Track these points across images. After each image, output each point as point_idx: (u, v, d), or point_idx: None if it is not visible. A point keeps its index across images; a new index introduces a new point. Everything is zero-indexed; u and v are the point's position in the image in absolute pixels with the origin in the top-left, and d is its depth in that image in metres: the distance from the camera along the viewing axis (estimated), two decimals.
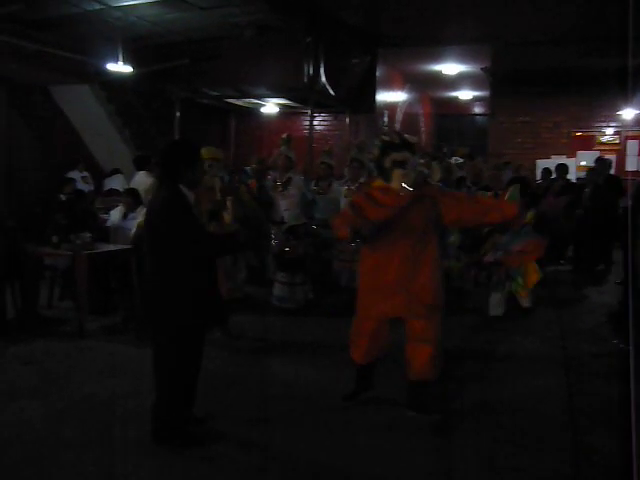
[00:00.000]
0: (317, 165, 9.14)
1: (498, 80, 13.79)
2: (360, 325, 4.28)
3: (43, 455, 3.68)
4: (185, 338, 3.65)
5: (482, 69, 13.56)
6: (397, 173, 3.99)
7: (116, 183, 10.95)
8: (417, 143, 14.23)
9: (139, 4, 9.58)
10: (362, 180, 7.43)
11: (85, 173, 12.76)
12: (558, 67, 12.54)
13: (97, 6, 9.56)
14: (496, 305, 6.91)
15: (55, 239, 6.29)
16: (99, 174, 12.81)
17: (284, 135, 10.65)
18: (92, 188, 12.09)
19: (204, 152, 5.25)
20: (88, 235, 6.30)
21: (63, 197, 7.84)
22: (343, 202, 7.30)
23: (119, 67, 10.65)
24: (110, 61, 10.99)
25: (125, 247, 6.50)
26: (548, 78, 13.03)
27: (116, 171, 11.68)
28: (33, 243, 6.61)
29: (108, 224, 7.35)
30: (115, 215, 7.27)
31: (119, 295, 6.98)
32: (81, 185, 12.45)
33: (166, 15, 10.40)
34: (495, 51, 12.90)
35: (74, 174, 12.67)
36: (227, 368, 5.18)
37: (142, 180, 7.95)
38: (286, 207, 7.72)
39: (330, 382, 4.85)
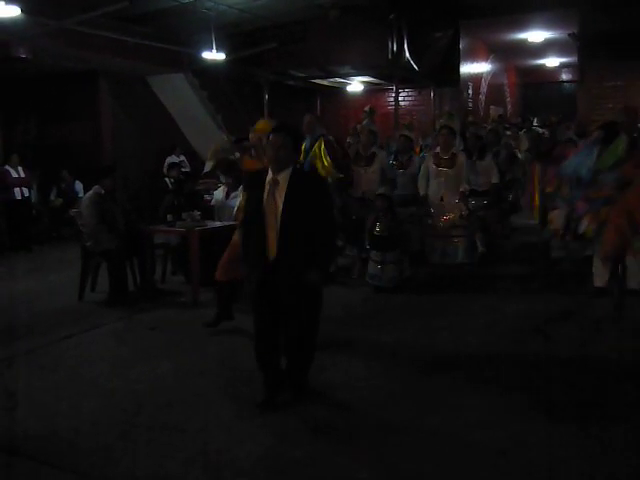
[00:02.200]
0: (396, 138, 9.10)
1: (586, 45, 13.45)
2: None
3: (177, 403, 4.19)
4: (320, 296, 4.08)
5: (569, 35, 13.29)
6: None
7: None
8: (502, 114, 14.08)
9: None
10: (454, 150, 7.31)
11: (182, 157, 13.49)
12: None
13: None
14: None
15: (170, 218, 6.89)
16: (194, 158, 13.49)
17: (366, 107, 10.76)
18: (189, 171, 12.75)
19: (259, 125, 5.55)
20: (198, 213, 6.85)
21: (170, 180, 8.45)
22: (431, 171, 7.19)
23: (213, 55, 11.17)
24: (204, 50, 11.54)
25: (230, 223, 6.97)
26: (638, 40, 12.61)
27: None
28: (146, 223, 7.26)
29: (212, 203, 7.87)
30: (219, 195, 7.78)
31: None
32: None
33: (254, 2, 10.85)
34: (582, 15, 12.64)
35: (171, 159, 13.42)
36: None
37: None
38: (367, 183, 7.54)
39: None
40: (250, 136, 5.67)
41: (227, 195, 7.64)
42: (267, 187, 3.91)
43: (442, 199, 7.15)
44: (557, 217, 6.31)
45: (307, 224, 3.86)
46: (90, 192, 6.94)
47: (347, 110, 16.00)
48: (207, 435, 3.74)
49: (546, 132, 14.72)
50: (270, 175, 3.93)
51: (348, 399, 4.18)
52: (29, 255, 9.95)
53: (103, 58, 11.39)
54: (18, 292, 7.46)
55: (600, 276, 6.18)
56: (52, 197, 11.63)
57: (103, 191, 6.91)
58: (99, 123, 13.22)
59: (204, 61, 12.09)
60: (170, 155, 13.42)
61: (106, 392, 4.40)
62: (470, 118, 14.58)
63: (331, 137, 7.75)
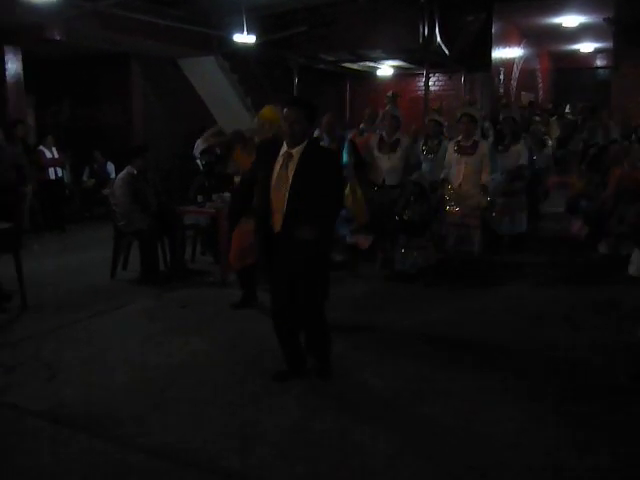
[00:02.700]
0: (426, 123, 8.98)
1: (621, 30, 13.26)
2: None
3: (208, 377, 4.30)
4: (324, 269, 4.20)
5: (604, 19, 13.08)
6: None
7: None
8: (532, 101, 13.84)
9: None
10: (476, 137, 7.20)
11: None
12: None
13: None
14: None
15: (200, 199, 6.99)
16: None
17: (389, 93, 10.63)
18: (219, 152, 12.82)
19: (264, 111, 5.51)
20: (228, 195, 6.93)
21: (202, 162, 8.53)
22: (452, 158, 7.10)
23: (244, 37, 11.21)
24: (234, 32, 11.58)
25: None
26: None
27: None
28: (177, 204, 7.37)
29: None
30: None
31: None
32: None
33: None
34: None
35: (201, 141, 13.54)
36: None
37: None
38: (388, 169, 7.34)
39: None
40: (255, 121, 5.67)
41: None
42: (281, 160, 3.91)
43: (460, 186, 7.02)
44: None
45: (315, 199, 3.84)
46: (123, 172, 7.06)
47: (377, 94, 15.92)
48: (236, 408, 3.85)
49: (579, 119, 14.55)
50: (285, 148, 3.93)
51: (371, 380, 4.26)
52: (62, 234, 10.13)
53: (135, 40, 11.49)
54: (52, 270, 7.62)
55: (636, 265, 6.09)
56: (84, 178, 11.81)
57: (135, 171, 7.02)
58: (130, 105, 13.36)
59: (234, 44, 12.13)
60: (200, 137, 13.55)
61: (139, 366, 4.53)
62: (503, 101, 14.47)
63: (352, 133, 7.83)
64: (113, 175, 12.02)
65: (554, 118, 13.89)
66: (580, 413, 3.73)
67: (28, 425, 3.67)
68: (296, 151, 3.89)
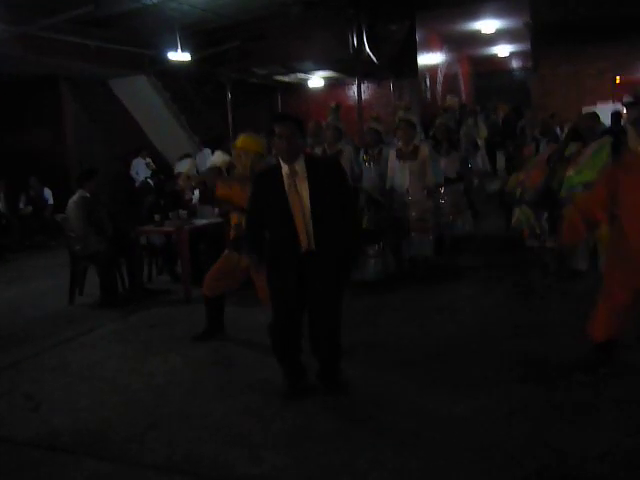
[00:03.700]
0: (365, 132, 9.14)
1: (538, 33, 13.97)
2: (611, 299, 4.07)
3: (198, 392, 4.32)
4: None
5: (525, 24, 13.76)
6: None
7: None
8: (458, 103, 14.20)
9: None
10: (416, 142, 7.24)
11: (148, 160, 13.47)
12: (598, 15, 12.68)
13: None
14: None
15: (157, 217, 6.97)
16: (160, 160, 13.53)
17: (332, 104, 10.86)
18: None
19: (237, 140, 5.31)
20: (185, 212, 6.94)
21: (150, 181, 8.48)
22: (395, 165, 7.16)
23: (179, 55, 11.22)
24: (166, 51, 11.58)
25: (218, 220, 7.05)
26: (589, 27, 13.15)
27: (186, 155, 12.27)
28: (130, 224, 7.32)
29: (194, 202, 7.96)
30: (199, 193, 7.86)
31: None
32: (146, 171, 13.21)
33: (216, 1, 10.92)
34: (533, 4, 13.10)
35: (138, 161, 13.43)
36: None
37: (220, 159, 8.48)
38: None
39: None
40: (234, 153, 5.48)
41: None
42: (287, 179, 3.85)
43: (407, 191, 7.10)
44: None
45: (334, 209, 3.87)
46: (75, 196, 6.95)
47: (308, 105, 16.20)
48: (233, 419, 3.88)
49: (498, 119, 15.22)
50: (286, 167, 3.88)
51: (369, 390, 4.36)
52: (6, 265, 9.83)
53: (64, 62, 11.33)
54: (4, 300, 7.43)
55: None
56: (21, 205, 11.49)
57: (88, 194, 6.93)
58: (62, 128, 13.11)
59: (166, 62, 12.13)
60: (137, 158, 13.42)
61: (124, 388, 4.50)
62: (447, 103, 14.89)
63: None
64: (51, 201, 11.77)
65: (480, 119, 14.49)
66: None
67: (26, 456, 3.60)
68: (298, 166, 3.87)
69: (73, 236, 6.93)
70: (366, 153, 8.24)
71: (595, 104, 13.90)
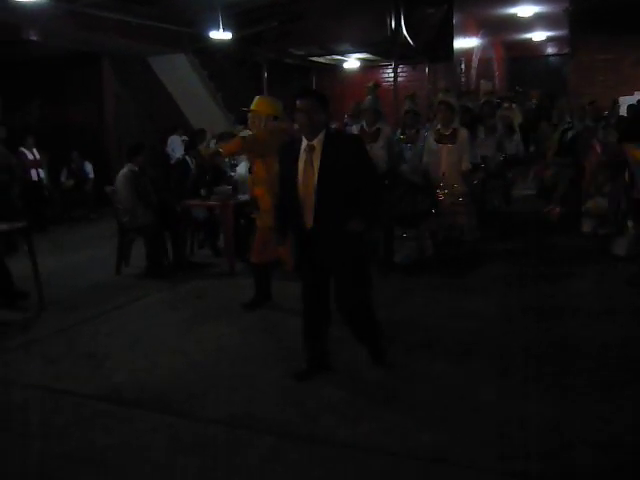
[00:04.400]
0: (402, 114, 9.18)
1: (577, 19, 13.89)
2: None
3: (251, 357, 4.54)
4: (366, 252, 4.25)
5: (564, 10, 13.68)
6: None
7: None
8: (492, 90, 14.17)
9: None
10: (454, 125, 7.23)
11: (185, 137, 13.66)
12: (637, 3, 12.56)
13: None
14: None
15: (203, 192, 7.18)
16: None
17: (370, 83, 10.89)
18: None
19: (253, 104, 5.51)
20: (229, 187, 7.14)
21: (192, 158, 8.64)
22: (432, 147, 7.22)
23: (220, 34, 11.36)
24: (206, 29, 11.72)
25: None
26: (628, 13, 13.05)
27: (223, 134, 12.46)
28: (177, 198, 7.55)
29: (235, 177, 8.15)
30: (242, 169, 8.04)
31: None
32: (182, 148, 13.40)
33: None
34: None
35: (174, 138, 13.63)
36: None
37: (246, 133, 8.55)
38: (375, 160, 7.22)
39: None
40: (249, 116, 5.60)
41: (250, 169, 7.90)
42: (304, 155, 3.85)
43: (444, 175, 7.11)
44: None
45: (347, 186, 3.80)
46: (124, 170, 7.18)
47: (343, 87, 16.27)
48: (289, 382, 4.08)
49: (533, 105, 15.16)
50: (305, 143, 3.86)
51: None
52: (49, 235, 10.14)
53: (106, 39, 11.53)
54: (53, 269, 7.68)
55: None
56: (63, 179, 11.79)
57: (136, 168, 7.16)
58: (102, 104, 13.39)
59: (205, 41, 12.27)
60: (173, 134, 13.63)
61: (179, 351, 4.73)
62: (463, 89, 14.97)
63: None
64: (92, 175, 12.06)
65: (516, 105, 14.46)
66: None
67: (93, 409, 3.84)
68: (317, 142, 3.82)
69: (121, 208, 7.16)
70: (403, 133, 8.38)
71: (632, 94, 13.81)
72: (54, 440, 3.48)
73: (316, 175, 3.81)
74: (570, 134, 8.96)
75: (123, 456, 3.29)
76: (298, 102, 3.85)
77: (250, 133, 5.71)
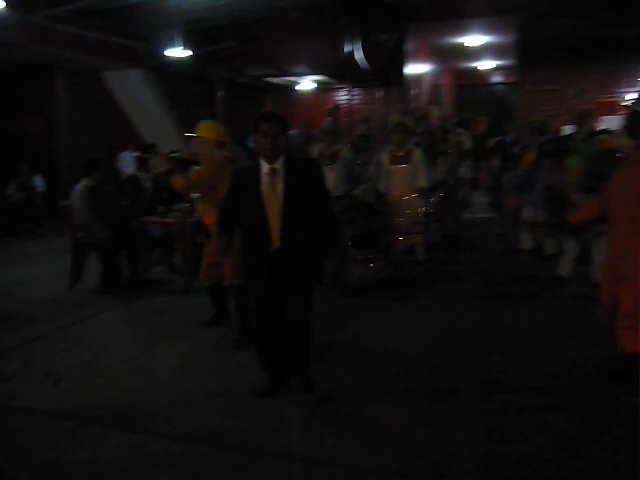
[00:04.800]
0: (356, 137, 9.36)
1: (524, 50, 14.44)
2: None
3: (213, 372, 4.55)
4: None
5: (511, 41, 14.21)
6: None
7: None
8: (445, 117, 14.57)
9: None
10: (409, 146, 7.44)
11: (137, 154, 13.55)
12: (582, 37, 13.19)
13: None
14: None
15: (162, 209, 7.16)
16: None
17: (330, 105, 11.11)
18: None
19: (197, 129, 5.30)
20: (187, 205, 7.14)
21: (140, 174, 8.59)
22: (387, 169, 7.32)
23: (178, 52, 11.37)
24: (163, 46, 11.72)
25: None
26: (573, 47, 13.69)
27: (173, 152, 12.43)
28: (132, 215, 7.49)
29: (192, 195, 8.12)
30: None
31: None
32: (133, 165, 13.29)
33: (218, 1, 11.10)
34: (521, 22, 13.54)
35: (126, 155, 13.50)
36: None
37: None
38: (333, 181, 7.25)
39: None
40: (194, 142, 5.50)
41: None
42: (266, 178, 3.91)
43: (399, 196, 7.28)
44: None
45: (308, 210, 3.92)
46: (81, 184, 7.10)
47: (296, 108, 16.45)
48: (253, 398, 4.10)
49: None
50: (266, 166, 3.92)
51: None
52: None
53: (61, 52, 11.39)
54: (2, 283, 7.54)
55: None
56: (10, 192, 11.52)
57: (93, 183, 7.10)
58: (53, 117, 13.13)
59: (161, 57, 12.26)
60: (124, 151, 13.50)
61: (140, 367, 4.71)
62: (416, 114, 15.34)
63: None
64: (41, 189, 11.83)
65: (465, 131, 14.91)
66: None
67: (55, 427, 3.79)
68: (279, 165, 3.91)
69: (77, 223, 7.07)
70: (359, 157, 8.55)
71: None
72: (17, 459, 3.43)
73: (281, 197, 3.89)
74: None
75: (89, 474, 3.27)
76: (263, 126, 3.90)
77: (196, 168, 5.67)
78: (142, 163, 10.07)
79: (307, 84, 15.79)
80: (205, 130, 5.30)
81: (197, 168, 5.56)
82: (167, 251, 8.00)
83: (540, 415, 3.83)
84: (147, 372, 4.62)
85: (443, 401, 4.07)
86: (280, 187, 3.90)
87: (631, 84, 14.67)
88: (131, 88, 13.57)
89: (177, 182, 5.30)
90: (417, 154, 7.48)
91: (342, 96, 14.94)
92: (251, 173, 4.01)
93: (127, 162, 13.29)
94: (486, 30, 15.09)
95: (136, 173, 9.77)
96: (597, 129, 8.62)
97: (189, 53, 11.74)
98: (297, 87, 16.12)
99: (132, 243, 7.29)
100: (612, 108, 14.81)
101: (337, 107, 10.81)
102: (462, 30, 15.39)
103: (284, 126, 4.00)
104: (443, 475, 3.22)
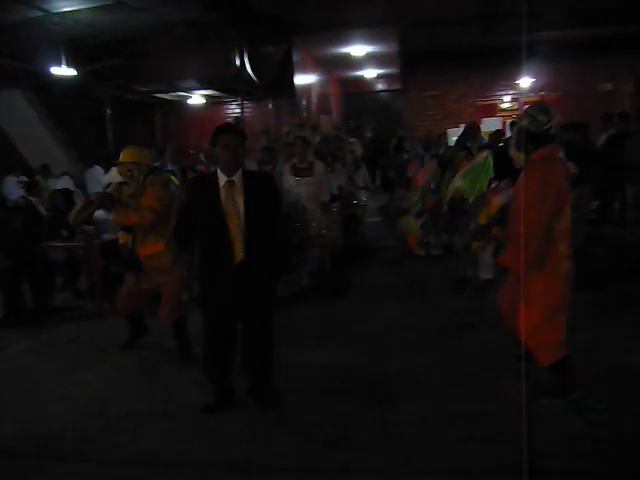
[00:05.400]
0: (258, 150, 9.42)
1: (406, 58, 15.08)
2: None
3: (139, 396, 4.47)
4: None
5: (393, 50, 14.80)
6: None
7: (67, 183, 11.34)
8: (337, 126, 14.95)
9: (80, 9, 10.07)
10: (310, 158, 7.46)
11: (22, 177, 12.96)
12: (461, 44, 13.95)
13: (39, 13, 9.97)
14: None
15: (65, 233, 6.92)
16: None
17: (230, 120, 11.17)
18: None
19: (122, 155, 5.08)
20: (92, 227, 6.95)
21: (28, 199, 8.26)
22: (290, 181, 7.31)
23: (63, 71, 11.03)
24: (46, 65, 11.34)
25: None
26: (452, 54, 14.44)
27: (64, 174, 12.09)
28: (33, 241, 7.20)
29: (96, 217, 7.89)
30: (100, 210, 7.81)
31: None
32: (18, 190, 12.70)
33: (103, 17, 10.88)
34: (402, 32, 14.15)
35: (10, 179, 12.89)
36: None
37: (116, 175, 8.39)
38: None
39: None
40: (118, 169, 5.30)
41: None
42: (224, 190, 3.86)
43: (305, 208, 7.27)
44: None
45: (267, 224, 3.95)
46: None
47: (188, 123, 16.33)
48: (183, 417, 4.10)
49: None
50: (224, 179, 3.88)
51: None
52: None
53: None
54: None
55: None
56: None
57: None
58: None
59: (43, 77, 11.85)
60: (9, 175, 12.88)
61: (63, 397, 4.56)
62: (303, 122, 15.64)
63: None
64: None
65: (355, 139, 15.35)
66: None
67: None
68: (237, 178, 3.89)
69: None
70: (260, 169, 8.59)
71: (458, 126, 15.19)
72: None
73: (242, 210, 3.88)
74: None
75: None
76: (223, 138, 3.87)
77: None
78: (30, 187, 9.66)
79: (198, 99, 15.70)
80: (135, 155, 5.07)
81: (141, 197, 5.04)
82: (71, 276, 7.73)
83: None
84: (71, 401, 4.47)
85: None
86: (240, 199, 3.89)
87: (508, 88, 15.67)
88: (12, 110, 13.02)
89: (130, 218, 4.99)
90: (319, 168, 7.48)
91: (234, 110, 14.92)
92: (208, 186, 3.95)
93: (12, 187, 12.70)
94: (370, 40, 15.63)
95: (27, 197, 9.36)
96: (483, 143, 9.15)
97: (74, 72, 11.36)
98: (188, 102, 15.98)
99: (33, 270, 7.00)
100: (491, 111, 15.80)
101: (238, 121, 10.89)
102: (347, 40, 15.86)
103: (244, 138, 4.00)
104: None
